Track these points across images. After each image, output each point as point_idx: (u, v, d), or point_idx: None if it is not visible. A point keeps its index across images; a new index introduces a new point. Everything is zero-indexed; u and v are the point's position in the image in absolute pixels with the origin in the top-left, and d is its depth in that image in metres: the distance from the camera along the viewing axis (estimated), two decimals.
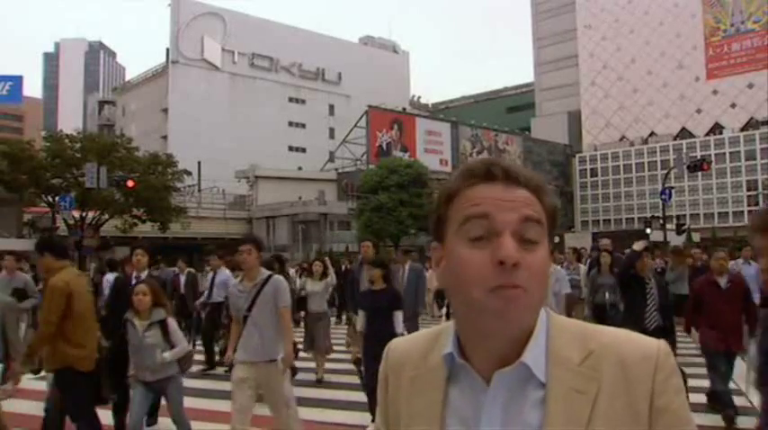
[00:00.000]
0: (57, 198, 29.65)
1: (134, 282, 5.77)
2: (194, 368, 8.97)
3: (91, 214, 31.90)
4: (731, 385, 7.54)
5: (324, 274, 8.68)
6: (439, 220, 0.91)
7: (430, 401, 0.91)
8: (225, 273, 9.82)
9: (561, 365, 0.85)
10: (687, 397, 0.86)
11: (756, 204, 67.23)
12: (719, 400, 6.19)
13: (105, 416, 5.16)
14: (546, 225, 0.87)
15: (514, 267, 0.80)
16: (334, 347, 8.98)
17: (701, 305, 6.39)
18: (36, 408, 6.74)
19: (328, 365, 8.68)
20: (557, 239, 44.08)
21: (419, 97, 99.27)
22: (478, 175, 0.87)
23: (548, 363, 0.85)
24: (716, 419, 6.02)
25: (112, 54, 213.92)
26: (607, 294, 8.70)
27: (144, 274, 6.21)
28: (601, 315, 8.55)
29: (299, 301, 8.51)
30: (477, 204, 0.84)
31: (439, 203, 0.91)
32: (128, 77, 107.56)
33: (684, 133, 75.61)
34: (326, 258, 10.31)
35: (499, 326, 0.83)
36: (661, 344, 0.87)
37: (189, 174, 37.89)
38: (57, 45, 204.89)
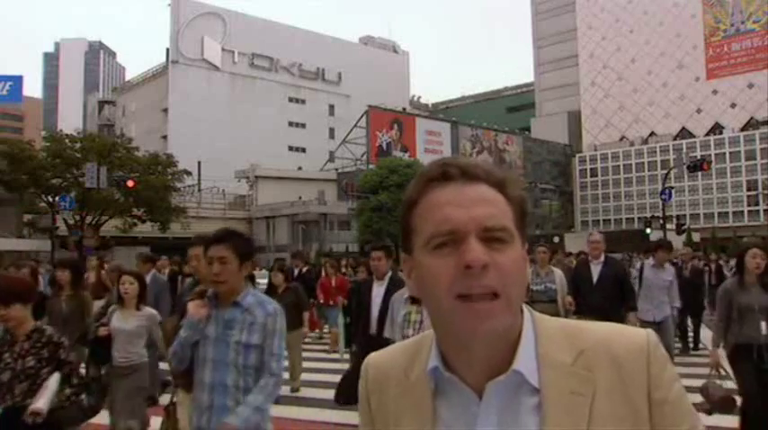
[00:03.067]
0: (57, 198, 29.65)
1: None
2: None
3: (91, 214, 31.92)
4: (729, 384, 7.54)
5: (140, 301, 4.80)
6: (405, 231, 0.88)
7: (419, 419, 0.88)
8: None
9: (554, 368, 0.83)
10: None
11: (756, 204, 67.31)
12: None
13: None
14: (514, 221, 0.84)
15: (484, 269, 0.78)
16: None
17: None
18: None
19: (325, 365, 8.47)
20: (556, 239, 44.10)
21: (419, 97, 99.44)
22: (435, 178, 0.84)
23: (539, 368, 0.83)
24: (718, 419, 6.01)
25: (112, 54, 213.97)
26: (764, 325, 4.90)
27: None
28: (748, 360, 4.91)
29: (94, 344, 4.84)
30: (443, 220, 0.81)
31: (402, 214, 0.88)
32: (128, 77, 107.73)
33: (684, 133, 75.64)
34: (148, 264, 6.90)
35: (475, 334, 0.81)
36: (650, 333, 0.86)
37: (189, 174, 37.87)
38: (57, 45, 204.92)
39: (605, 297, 6.48)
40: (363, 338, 5.31)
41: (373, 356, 1.02)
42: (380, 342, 4.18)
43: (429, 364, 0.87)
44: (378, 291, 5.18)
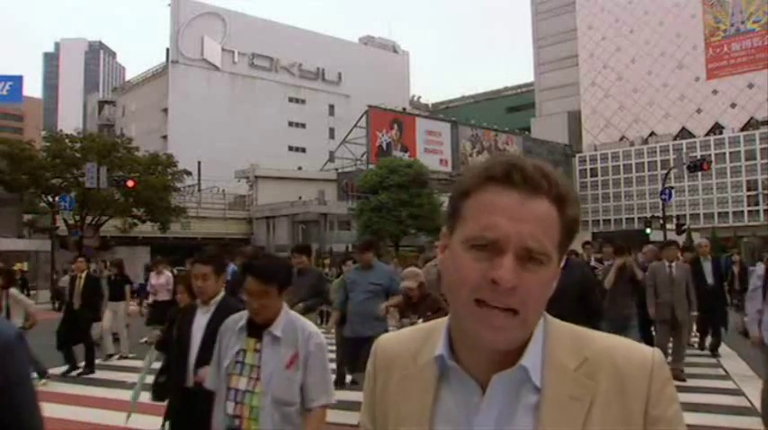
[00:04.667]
0: (57, 198, 29.66)
1: None
2: None
3: (91, 214, 31.91)
4: (729, 385, 7.55)
5: None
6: (452, 212, 0.87)
7: (419, 403, 0.89)
8: None
9: (557, 371, 0.84)
10: None
11: (756, 204, 67.30)
12: None
13: None
14: (559, 242, 0.83)
15: (511, 290, 0.78)
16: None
17: None
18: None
19: None
20: None
21: (419, 97, 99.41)
22: (497, 178, 0.82)
23: (544, 368, 0.84)
24: (716, 419, 6.02)
25: (112, 54, 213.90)
26: None
27: None
28: None
29: None
30: (490, 227, 0.80)
31: (455, 196, 0.87)
32: (128, 77, 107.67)
33: (684, 133, 75.64)
34: None
35: (483, 342, 0.82)
36: (656, 352, 0.86)
37: (189, 174, 37.88)
38: (57, 45, 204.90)
39: (559, 313, 4.67)
40: (176, 391, 3.37)
41: (384, 338, 1.02)
42: (201, 397, 2.83)
43: (436, 351, 0.88)
44: (201, 322, 3.27)
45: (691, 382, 7.08)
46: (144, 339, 12.17)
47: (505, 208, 0.80)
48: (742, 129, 71.50)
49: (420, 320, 4.69)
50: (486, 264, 0.79)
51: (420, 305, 5.07)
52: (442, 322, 0.92)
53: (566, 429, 0.81)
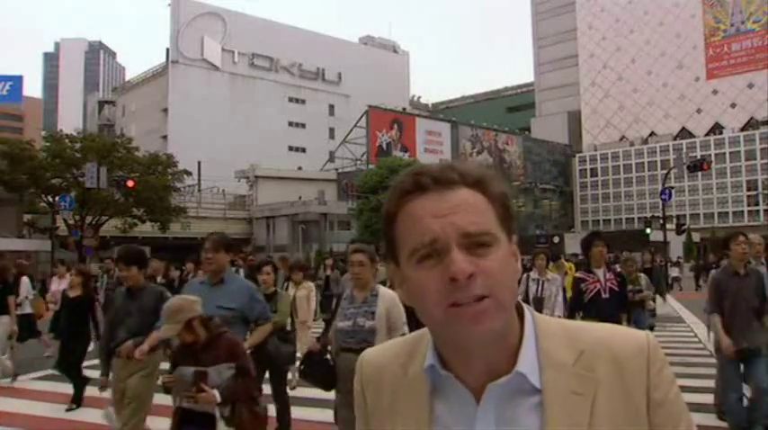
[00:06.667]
0: (57, 198, 29.64)
1: None
2: None
3: (91, 214, 31.89)
4: None
5: None
6: (388, 243, 0.87)
7: (415, 418, 0.87)
8: None
9: (555, 369, 0.83)
10: None
11: (756, 204, 67.33)
12: None
13: None
14: (497, 220, 0.82)
15: (470, 279, 0.77)
16: None
17: None
18: (28, 408, 6.75)
19: None
20: (557, 239, 44.04)
21: (419, 97, 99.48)
22: (409, 190, 0.83)
23: (541, 368, 0.83)
24: (716, 419, 6.02)
25: (112, 54, 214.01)
26: None
27: None
28: None
29: None
30: (423, 232, 0.79)
31: (384, 228, 0.87)
32: (128, 77, 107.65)
33: (684, 133, 75.68)
34: None
35: (471, 337, 0.79)
36: (650, 335, 0.86)
37: (189, 174, 37.86)
38: (57, 45, 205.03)
39: None
40: None
41: (368, 352, 1.00)
42: None
43: (426, 362, 0.86)
44: None
45: (691, 382, 7.06)
46: (47, 354, 10.01)
47: (428, 210, 0.80)
48: (742, 130, 71.55)
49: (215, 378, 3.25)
50: (438, 269, 0.78)
51: (206, 351, 3.29)
52: (427, 332, 0.90)
53: (573, 425, 0.80)
